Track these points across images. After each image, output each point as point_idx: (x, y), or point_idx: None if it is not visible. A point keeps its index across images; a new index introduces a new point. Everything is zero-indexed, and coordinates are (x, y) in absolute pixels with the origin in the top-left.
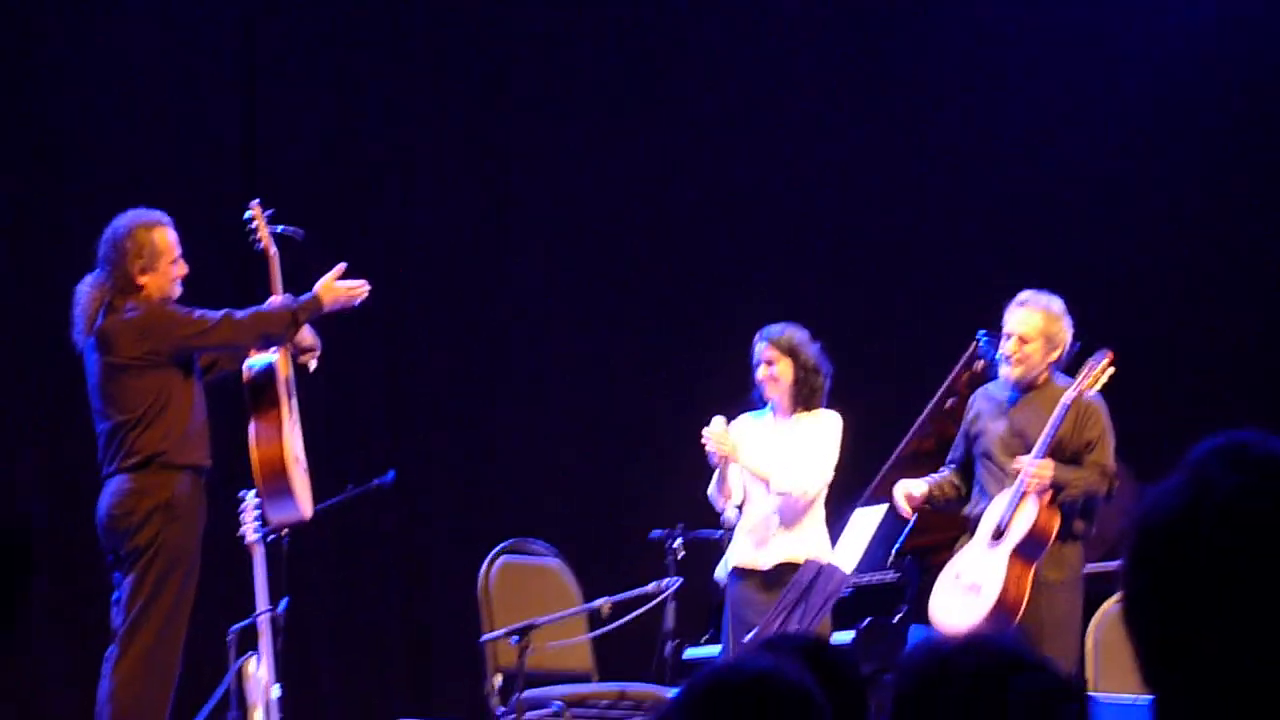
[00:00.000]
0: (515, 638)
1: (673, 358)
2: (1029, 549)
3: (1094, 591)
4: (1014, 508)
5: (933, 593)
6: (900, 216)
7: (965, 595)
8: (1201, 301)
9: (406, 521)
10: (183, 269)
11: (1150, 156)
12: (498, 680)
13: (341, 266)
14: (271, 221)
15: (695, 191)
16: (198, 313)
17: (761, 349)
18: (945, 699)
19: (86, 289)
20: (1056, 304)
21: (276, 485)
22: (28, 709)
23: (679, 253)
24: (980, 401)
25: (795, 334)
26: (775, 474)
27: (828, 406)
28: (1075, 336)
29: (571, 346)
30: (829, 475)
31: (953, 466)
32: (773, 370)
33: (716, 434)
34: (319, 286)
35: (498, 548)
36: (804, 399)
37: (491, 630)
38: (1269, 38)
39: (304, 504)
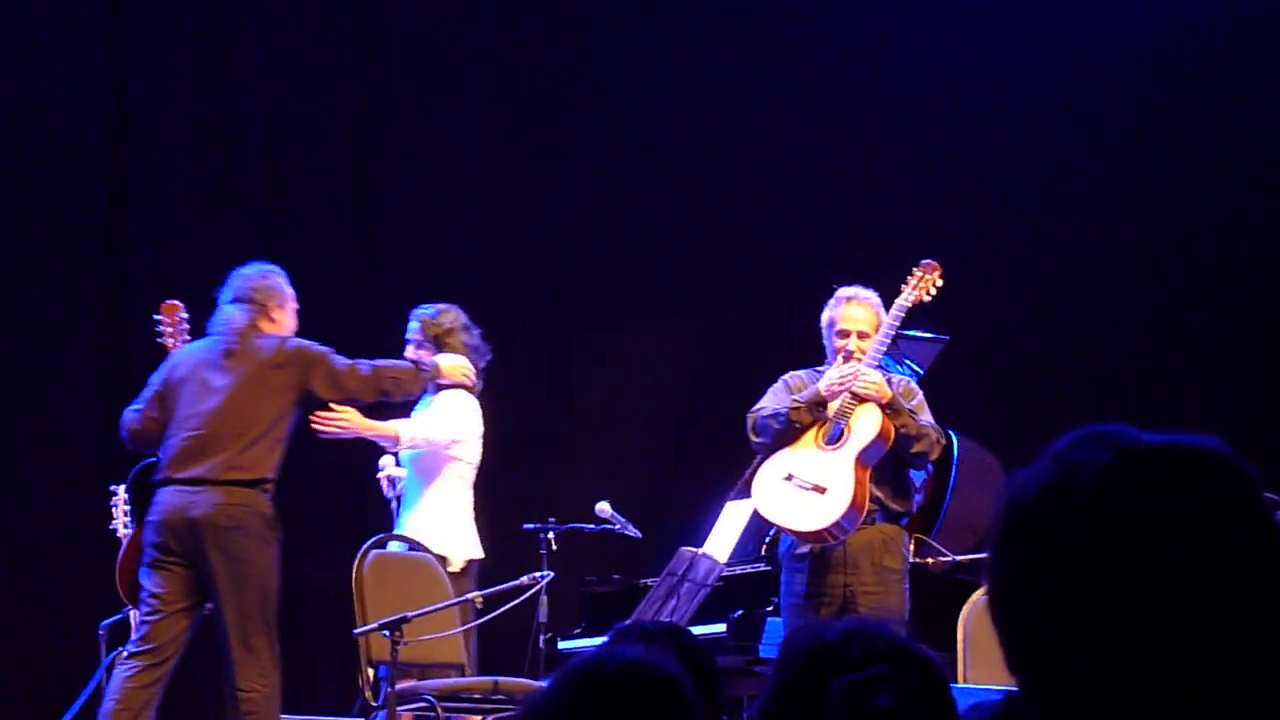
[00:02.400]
0: (388, 631)
1: (544, 351)
2: (871, 454)
3: (964, 582)
4: (848, 414)
5: (760, 492)
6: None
7: (807, 496)
8: (1063, 299)
9: (278, 515)
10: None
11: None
12: (370, 673)
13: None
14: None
15: (572, 202)
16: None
17: (411, 328)
18: (827, 687)
19: (237, 315)
20: (875, 295)
21: None
22: None
23: (544, 254)
24: (803, 385)
25: (446, 318)
26: (402, 430)
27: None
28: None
29: None
30: (436, 437)
31: None
32: (416, 353)
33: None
34: (443, 360)
35: (370, 541)
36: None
37: (364, 623)
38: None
39: None
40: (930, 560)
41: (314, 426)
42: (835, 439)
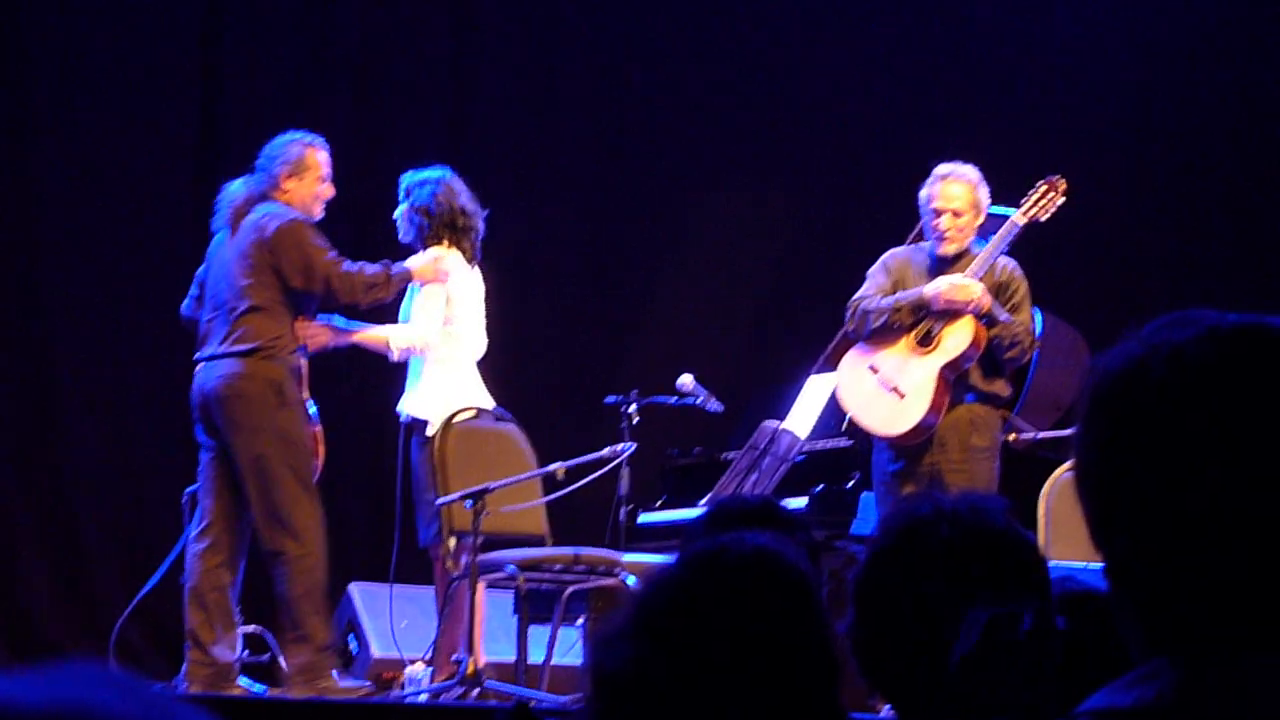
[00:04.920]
0: (470, 501)
1: (629, 224)
2: (957, 365)
3: (1046, 459)
4: (945, 321)
5: (842, 373)
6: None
7: (885, 396)
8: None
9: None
10: (329, 191)
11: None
12: (452, 543)
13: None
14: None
15: (670, 86)
16: (331, 260)
17: (410, 215)
18: (922, 561)
19: (238, 188)
20: (974, 171)
21: None
22: None
23: (632, 123)
24: (903, 265)
25: (450, 198)
26: (391, 338)
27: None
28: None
29: (533, 215)
30: (429, 339)
31: None
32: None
33: None
34: (413, 263)
35: (453, 411)
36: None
37: (447, 494)
38: None
39: None
40: (1013, 436)
41: (299, 334)
42: (927, 342)
